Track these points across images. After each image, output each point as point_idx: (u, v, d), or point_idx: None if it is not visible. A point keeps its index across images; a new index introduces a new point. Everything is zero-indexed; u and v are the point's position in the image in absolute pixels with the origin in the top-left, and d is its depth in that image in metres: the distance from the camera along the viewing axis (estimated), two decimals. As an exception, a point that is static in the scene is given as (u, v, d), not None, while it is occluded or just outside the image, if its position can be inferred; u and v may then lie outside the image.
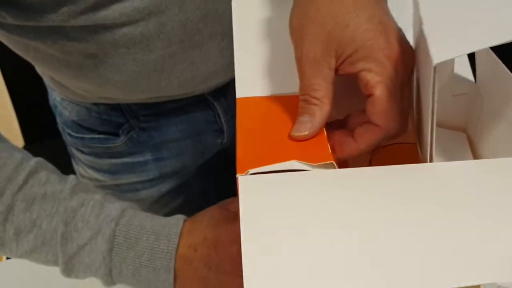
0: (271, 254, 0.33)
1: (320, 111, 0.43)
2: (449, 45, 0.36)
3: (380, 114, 0.42)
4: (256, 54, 0.48)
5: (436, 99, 0.38)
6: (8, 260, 0.73)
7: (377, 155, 0.49)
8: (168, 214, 0.84)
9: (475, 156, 0.44)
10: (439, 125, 0.46)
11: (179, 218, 0.57)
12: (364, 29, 0.41)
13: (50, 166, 0.58)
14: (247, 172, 0.39)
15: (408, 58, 0.42)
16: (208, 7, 0.61)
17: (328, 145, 0.42)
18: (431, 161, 0.40)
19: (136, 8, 0.57)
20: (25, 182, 0.53)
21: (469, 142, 0.45)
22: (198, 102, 0.75)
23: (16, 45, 0.64)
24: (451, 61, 0.44)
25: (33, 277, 0.70)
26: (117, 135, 0.75)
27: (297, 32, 0.44)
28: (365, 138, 0.43)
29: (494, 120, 0.41)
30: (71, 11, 0.55)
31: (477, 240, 0.33)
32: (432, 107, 0.38)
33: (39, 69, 0.73)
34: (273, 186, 0.38)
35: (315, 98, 0.43)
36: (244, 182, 0.38)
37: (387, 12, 0.43)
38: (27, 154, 0.57)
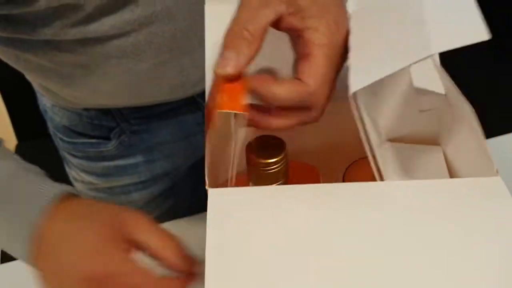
0: (234, 271, 0.35)
1: (248, 48, 0.40)
2: (365, 73, 0.37)
3: (311, 76, 0.40)
4: None
5: (365, 125, 0.39)
6: (3, 264, 0.73)
7: (350, 169, 0.50)
8: (161, 215, 0.86)
9: (450, 169, 0.46)
10: (413, 141, 0.47)
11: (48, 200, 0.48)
12: None
13: None
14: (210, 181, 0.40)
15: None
16: (196, 18, 0.62)
17: (243, 95, 0.40)
18: (381, 179, 0.41)
19: (127, 20, 0.58)
20: None
21: (444, 155, 0.46)
22: (188, 104, 0.76)
23: (5, 55, 0.65)
24: (407, 79, 0.45)
25: (28, 281, 0.71)
26: (108, 139, 0.76)
27: None
28: (284, 97, 0.40)
29: (462, 131, 0.42)
30: (63, 25, 0.56)
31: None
32: (364, 133, 0.39)
33: (28, 77, 0.73)
34: (242, 199, 0.39)
35: (247, 30, 0.40)
36: (213, 195, 0.39)
37: None
38: None
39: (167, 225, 0.72)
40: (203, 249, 0.37)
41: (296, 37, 0.41)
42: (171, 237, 0.47)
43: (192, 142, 0.81)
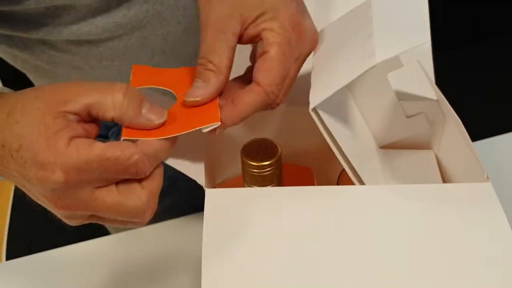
0: (230, 270, 0.36)
1: (216, 78, 0.41)
2: (321, 88, 0.39)
3: (267, 72, 0.41)
4: None
5: (334, 137, 0.40)
6: (8, 261, 0.75)
7: (344, 172, 0.51)
8: (160, 213, 0.86)
9: (443, 173, 0.46)
10: (405, 146, 0.48)
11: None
12: None
13: None
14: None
15: (311, 36, 0.42)
16: (189, 21, 0.62)
17: (218, 107, 0.41)
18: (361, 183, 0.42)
19: (119, 23, 0.59)
20: None
21: (437, 160, 0.47)
22: None
23: (4, 54, 0.66)
24: (386, 87, 0.46)
25: (34, 278, 0.72)
26: (106, 137, 0.77)
27: None
28: (244, 100, 0.41)
29: (453, 137, 0.43)
30: (55, 24, 0.56)
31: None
32: (334, 145, 0.41)
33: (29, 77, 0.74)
34: (238, 200, 0.40)
35: (212, 63, 0.41)
36: (210, 195, 0.41)
37: None
38: None
39: (165, 224, 0.73)
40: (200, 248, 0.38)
41: (255, 43, 0.42)
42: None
43: None
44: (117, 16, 0.58)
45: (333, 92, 0.37)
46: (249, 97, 0.41)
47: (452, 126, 0.43)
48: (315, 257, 0.36)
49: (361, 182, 0.42)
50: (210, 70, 0.41)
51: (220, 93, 0.42)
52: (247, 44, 0.43)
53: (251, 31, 0.42)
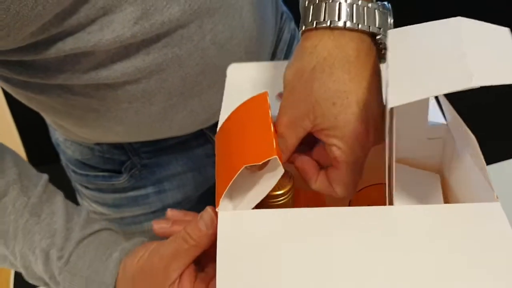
0: None
1: (285, 155, 0.47)
2: (405, 91, 0.38)
3: (339, 185, 0.46)
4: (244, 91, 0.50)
5: (394, 141, 0.40)
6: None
7: (356, 195, 0.52)
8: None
9: (449, 197, 0.47)
10: (415, 166, 0.48)
11: (115, 267, 0.55)
12: (349, 112, 0.43)
13: (24, 180, 0.56)
14: (222, 204, 0.42)
15: (376, 137, 0.45)
16: (206, 62, 0.63)
17: (274, 141, 0.43)
18: (390, 203, 0.43)
19: (138, 68, 0.60)
20: None
21: (443, 183, 0.48)
22: (197, 137, 0.77)
23: (18, 95, 0.67)
24: (425, 106, 0.46)
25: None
26: (120, 172, 0.78)
27: (289, 86, 0.46)
28: (320, 184, 0.47)
29: (465, 159, 0.44)
30: (74, 70, 0.57)
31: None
32: (389, 151, 0.41)
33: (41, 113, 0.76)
34: (251, 222, 0.41)
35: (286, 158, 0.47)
36: (223, 217, 0.41)
37: (376, 92, 0.44)
38: (3, 166, 0.56)
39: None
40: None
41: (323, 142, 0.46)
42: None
43: (202, 172, 0.82)
44: (136, 61, 0.59)
45: (419, 98, 0.37)
46: (324, 187, 0.47)
47: (465, 147, 0.44)
48: (329, 280, 0.37)
49: (391, 202, 0.42)
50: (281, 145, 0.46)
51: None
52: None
53: (321, 136, 0.46)
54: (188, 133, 0.75)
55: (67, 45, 0.53)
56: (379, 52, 0.46)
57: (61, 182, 0.89)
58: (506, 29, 0.41)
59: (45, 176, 0.58)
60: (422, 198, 0.46)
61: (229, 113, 0.49)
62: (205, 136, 0.78)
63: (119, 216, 0.83)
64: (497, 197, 0.39)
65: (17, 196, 0.55)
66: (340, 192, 0.46)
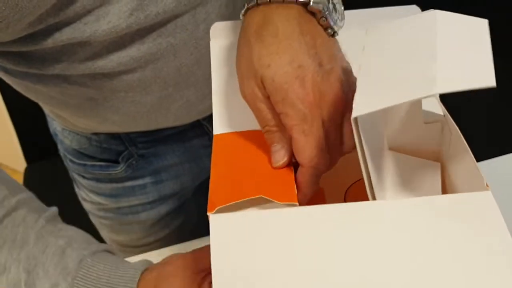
0: None
1: (284, 134, 0.46)
2: (368, 100, 0.38)
3: (300, 154, 0.44)
4: (234, 90, 0.49)
5: (364, 149, 0.40)
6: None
7: (350, 189, 0.52)
8: (169, 235, 0.87)
9: (448, 185, 0.47)
10: (414, 153, 0.48)
11: (138, 268, 0.55)
12: (283, 71, 0.44)
13: (33, 203, 0.58)
14: (216, 210, 0.41)
15: (331, 97, 0.44)
16: (201, 52, 0.64)
17: (295, 185, 0.44)
18: (373, 199, 0.42)
19: (133, 57, 0.60)
20: (1, 222, 0.54)
21: (443, 171, 0.47)
22: (194, 127, 0.78)
23: (16, 85, 0.67)
24: None
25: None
26: (117, 162, 0.78)
27: (238, 71, 0.48)
28: (299, 181, 0.45)
29: (460, 154, 0.44)
30: (71, 60, 0.58)
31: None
32: (362, 157, 0.40)
33: (39, 103, 0.76)
34: (244, 225, 0.40)
35: (273, 126, 0.46)
36: (215, 220, 0.40)
37: (305, 49, 0.45)
38: (14, 188, 0.57)
39: (174, 249, 0.74)
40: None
41: None
42: None
43: (199, 163, 0.83)
44: (131, 51, 0.59)
45: (381, 107, 0.37)
46: (301, 177, 0.45)
47: (459, 141, 0.43)
48: (328, 279, 0.36)
49: (374, 198, 0.42)
50: (275, 131, 0.46)
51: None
52: None
53: (276, 109, 0.45)
54: (185, 123, 0.75)
55: (64, 35, 0.54)
56: (319, 20, 0.47)
57: (56, 176, 0.89)
58: (485, 21, 0.40)
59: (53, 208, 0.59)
60: (418, 189, 0.45)
61: (220, 84, 0.50)
62: (202, 128, 0.78)
63: (116, 206, 0.84)
64: (487, 185, 0.39)
65: (27, 213, 0.55)
66: (304, 161, 0.44)
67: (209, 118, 0.78)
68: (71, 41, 0.55)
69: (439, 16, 0.40)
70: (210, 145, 0.82)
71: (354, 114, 0.38)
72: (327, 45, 0.47)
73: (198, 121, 0.76)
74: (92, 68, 0.59)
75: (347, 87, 0.45)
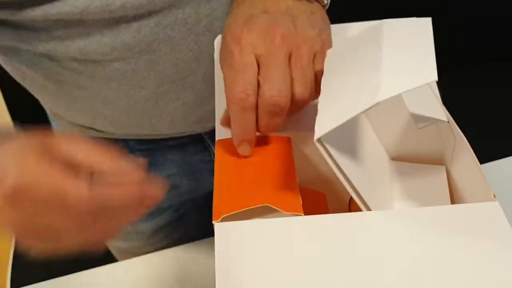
0: None
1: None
2: (326, 118, 0.39)
3: (227, 89, 0.46)
4: None
5: (342, 167, 0.40)
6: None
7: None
8: (167, 246, 0.86)
9: (453, 190, 0.47)
10: (417, 160, 0.48)
11: None
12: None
13: None
14: (222, 218, 0.41)
15: (286, 32, 0.46)
16: (201, 50, 0.63)
17: (300, 197, 0.43)
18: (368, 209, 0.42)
19: (127, 44, 0.59)
20: None
21: (448, 175, 0.47)
22: (195, 141, 0.76)
23: (14, 72, 0.67)
24: (399, 99, 0.46)
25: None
26: None
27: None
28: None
29: (465, 155, 0.44)
30: (63, 38, 0.57)
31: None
32: (341, 175, 0.41)
33: (36, 97, 0.74)
34: (249, 233, 0.40)
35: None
36: (220, 228, 0.40)
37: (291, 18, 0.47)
38: None
39: (176, 250, 0.73)
40: (209, 275, 0.38)
41: None
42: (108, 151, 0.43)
43: (198, 178, 0.81)
44: (126, 37, 0.58)
45: (337, 125, 0.38)
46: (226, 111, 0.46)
47: (463, 144, 0.43)
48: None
49: (368, 209, 0.42)
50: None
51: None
52: None
53: None
54: (183, 132, 0.74)
55: (54, 9, 0.53)
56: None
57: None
58: (428, 19, 0.42)
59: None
60: (426, 196, 0.45)
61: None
62: (203, 142, 0.77)
63: (113, 216, 0.82)
64: (494, 196, 0.39)
65: None
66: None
67: (211, 133, 0.77)
68: (63, 16, 0.54)
69: (386, 24, 0.42)
70: (210, 161, 0.81)
71: (316, 136, 0.39)
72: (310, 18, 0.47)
73: (199, 135, 0.75)
74: (85, 51, 0.58)
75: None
